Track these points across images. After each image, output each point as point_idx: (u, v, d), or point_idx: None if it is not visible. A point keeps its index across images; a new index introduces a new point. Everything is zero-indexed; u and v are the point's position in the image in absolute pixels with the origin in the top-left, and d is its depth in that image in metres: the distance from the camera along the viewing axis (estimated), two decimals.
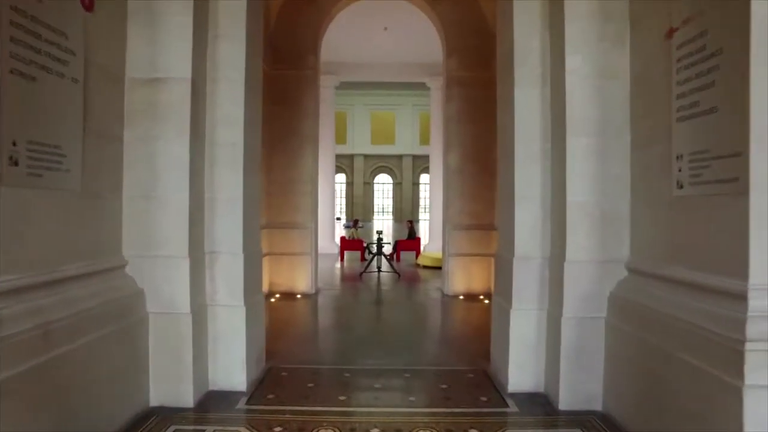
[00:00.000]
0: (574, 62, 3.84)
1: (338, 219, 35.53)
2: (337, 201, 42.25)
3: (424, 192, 41.38)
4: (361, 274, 11.19)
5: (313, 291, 8.86)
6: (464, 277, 8.82)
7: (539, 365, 4.18)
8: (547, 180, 4.19)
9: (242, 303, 4.16)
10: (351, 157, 40.40)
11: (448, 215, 8.97)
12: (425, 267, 12.71)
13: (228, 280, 4.16)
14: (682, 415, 2.86)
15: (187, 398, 3.80)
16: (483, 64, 8.74)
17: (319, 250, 14.23)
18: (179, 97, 3.80)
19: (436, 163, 15.85)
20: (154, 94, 3.79)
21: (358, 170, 40.87)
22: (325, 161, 15.95)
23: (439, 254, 12.81)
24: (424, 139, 37.34)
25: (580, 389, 3.81)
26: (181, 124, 3.80)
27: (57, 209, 2.95)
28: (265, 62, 8.37)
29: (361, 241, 14.56)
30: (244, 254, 4.19)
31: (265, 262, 8.43)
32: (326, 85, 15.94)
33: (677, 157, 3.14)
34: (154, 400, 3.77)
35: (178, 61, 3.82)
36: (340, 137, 37.41)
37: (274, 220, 8.80)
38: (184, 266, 3.79)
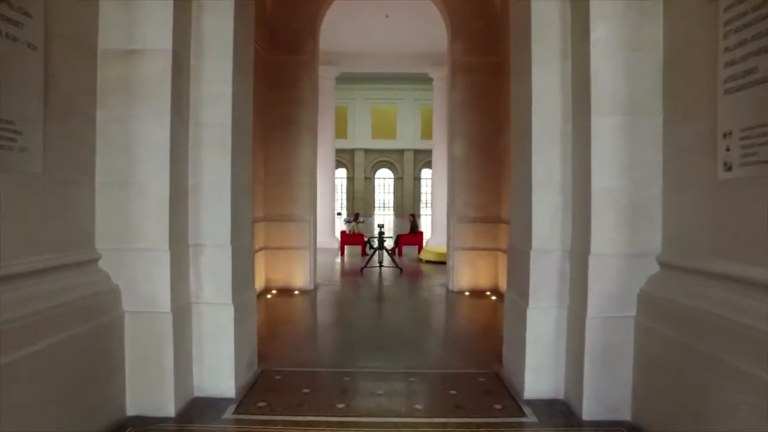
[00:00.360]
0: (599, 33, 3.42)
1: (339, 214, 35.20)
2: (338, 196, 42.12)
3: (426, 187, 40.81)
4: (361, 269, 10.79)
5: (312, 287, 8.47)
6: (470, 273, 8.42)
7: (558, 369, 3.79)
8: (567, 165, 3.78)
9: (230, 301, 3.77)
10: (352, 151, 39.84)
11: (453, 208, 8.56)
12: (428, 262, 12.31)
13: (214, 276, 3.76)
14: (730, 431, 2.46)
15: (167, 407, 3.41)
16: (489, 49, 8.32)
17: (319, 245, 13.86)
18: (159, 70, 3.40)
19: (439, 156, 15.46)
20: (131, 68, 3.39)
21: (358, 165, 40.33)
22: (325, 155, 15.57)
23: (442, 249, 12.43)
24: (426, 134, 36.83)
25: (606, 397, 3.42)
26: (161, 101, 3.40)
27: (10, 193, 2.55)
28: (262, 47, 7.97)
29: (361, 236, 14.17)
30: (233, 247, 3.79)
31: (262, 257, 8.05)
32: (326, 76, 15.53)
33: (724, 135, 2.74)
34: (131, 409, 3.38)
35: (157, 30, 3.41)
36: (341, 132, 36.95)
37: (271, 212, 8.39)
38: (164, 260, 3.39)
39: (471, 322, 6.61)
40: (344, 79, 25.96)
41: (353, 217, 15.08)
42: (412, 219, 14.78)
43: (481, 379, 4.22)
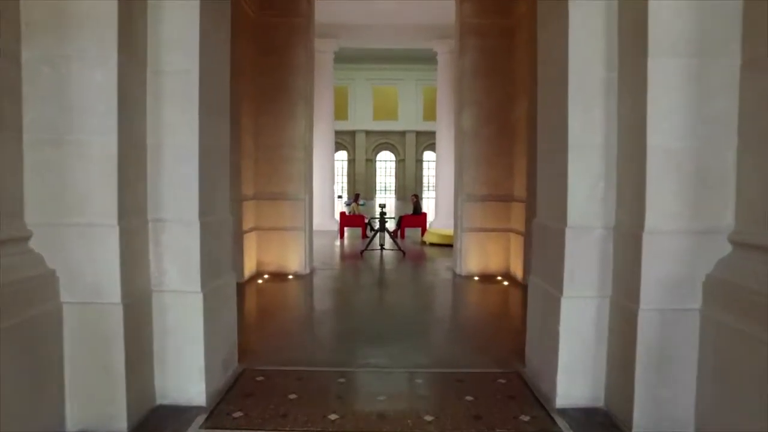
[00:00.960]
0: None
1: (339, 197, 34.50)
2: (339, 179, 41.45)
3: (428, 170, 40.05)
4: (362, 252, 10.11)
5: (307, 271, 7.79)
6: (479, 256, 7.73)
7: (598, 372, 3.12)
8: (612, 121, 3.07)
9: (199, 288, 3.09)
10: (352, 133, 38.94)
11: (461, 185, 7.84)
12: (432, 244, 11.61)
13: (179, 258, 3.08)
14: None
15: (118, 420, 2.75)
16: (501, 10, 7.55)
17: (318, 227, 13.23)
18: None
19: (444, 134, 14.75)
20: None
21: (359, 147, 39.48)
22: (325, 133, 14.86)
23: (447, 231, 11.76)
24: (428, 115, 36.04)
25: (662, 407, 2.75)
26: (105, 39, 2.68)
27: None
28: (251, 6, 7.21)
29: (362, 217, 13.46)
30: (202, 222, 3.11)
31: (253, 238, 7.38)
32: (325, 50, 14.73)
33: None
34: (73, 423, 2.72)
35: None
36: (341, 113, 36.34)
37: (262, 190, 7.68)
38: (112, 238, 2.71)
39: (483, 311, 5.95)
40: (344, 59, 25.31)
41: (353, 197, 14.36)
42: (415, 200, 14.07)
43: (502, 381, 3.57)
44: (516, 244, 7.41)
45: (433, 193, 18.85)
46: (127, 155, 2.79)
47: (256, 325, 5.19)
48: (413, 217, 13.48)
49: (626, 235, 2.93)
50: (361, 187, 38.56)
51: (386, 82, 37.24)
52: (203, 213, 3.14)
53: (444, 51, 14.64)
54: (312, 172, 8.17)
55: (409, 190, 38.75)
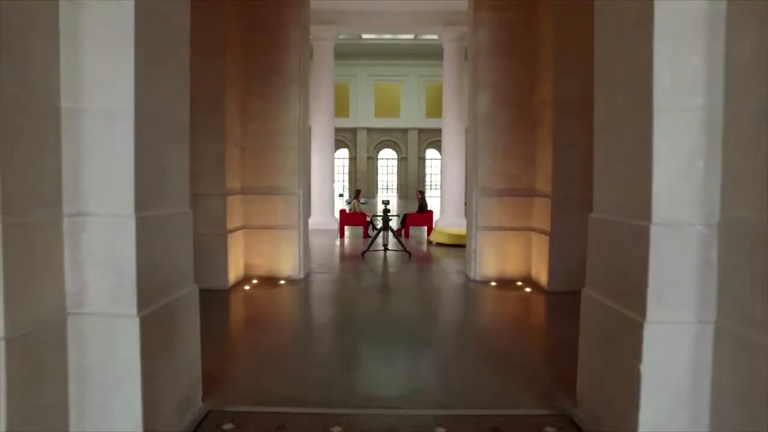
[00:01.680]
0: None
1: (341, 196, 33.64)
2: (340, 177, 40.68)
3: (431, 168, 39.19)
4: (363, 253, 9.22)
5: (301, 275, 6.88)
6: (496, 257, 6.83)
7: (699, 425, 2.21)
8: (717, 74, 2.17)
9: (134, 309, 2.19)
10: (354, 130, 38.33)
11: (474, 178, 6.93)
12: (439, 245, 10.72)
13: (106, 267, 2.19)
14: None
15: None
16: None
17: (317, 226, 12.35)
18: None
19: (451, 128, 13.90)
20: None
21: (361, 144, 38.87)
22: (325, 129, 14.02)
23: (456, 230, 10.88)
24: (431, 112, 35.83)
25: None
26: None
27: None
28: None
29: (363, 215, 12.56)
30: (139, 217, 2.21)
31: (239, 238, 6.50)
32: (325, 37, 13.88)
33: None
34: None
35: None
36: (342, 110, 36.04)
37: (251, 183, 6.78)
38: None
39: (507, 324, 5.04)
40: (345, 54, 24.74)
41: (354, 194, 13.49)
42: (420, 197, 13.17)
43: (550, 430, 2.66)
44: (539, 244, 6.50)
45: (436, 192, 17.99)
46: (16, 119, 1.90)
47: (234, 345, 4.30)
48: (419, 215, 12.60)
49: (746, 235, 2.02)
50: (362, 186, 37.86)
51: (388, 79, 36.72)
52: (143, 204, 2.24)
53: (450, 39, 13.78)
54: (309, 163, 7.31)
55: (412, 189, 38.09)
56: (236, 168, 6.52)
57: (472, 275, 6.95)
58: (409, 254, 9.17)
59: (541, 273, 6.39)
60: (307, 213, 7.28)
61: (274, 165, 6.81)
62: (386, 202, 9.62)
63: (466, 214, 7.34)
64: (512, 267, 6.83)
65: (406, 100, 37.40)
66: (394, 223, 11.24)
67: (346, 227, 12.60)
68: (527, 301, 5.83)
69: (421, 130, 37.97)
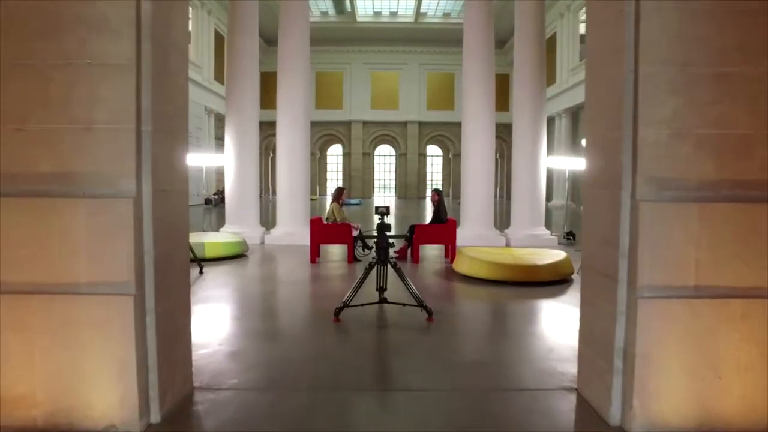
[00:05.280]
0: None
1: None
2: (333, 176, 37.58)
3: (431, 165, 37.22)
4: (339, 309, 4.76)
5: (150, 419, 2.49)
6: (692, 374, 2.46)
7: None
8: None
9: None
10: (348, 124, 35.73)
11: (618, 151, 2.56)
12: (468, 277, 6.34)
13: None
14: None
15: None
16: None
17: (283, 242, 8.02)
18: None
19: (474, 115, 9.70)
20: None
21: (356, 139, 36.86)
22: (300, 115, 9.76)
23: (500, 252, 6.41)
24: (433, 104, 34.13)
25: None
26: None
27: None
28: None
29: (347, 227, 8.05)
30: None
31: None
32: None
33: None
34: None
35: None
36: (335, 101, 34.57)
37: (5, 169, 2.42)
38: None
39: None
40: (338, 41, 21.69)
41: (334, 195, 8.74)
42: (437, 199, 8.55)
43: None
44: None
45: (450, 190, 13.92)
46: None
47: None
48: (434, 227, 8.17)
49: None
50: (357, 185, 34.65)
51: (386, 67, 34.64)
52: None
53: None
54: (184, 113, 2.91)
55: (411, 188, 34.82)
56: None
57: (612, 410, 2.57)
58: (429, 312, 4.74)
59: None
60: (181, 243, 2.88)
61: (68, 115, 2.42)
62: (383, 212, 5.08)
63: (585, 252, 2.94)
64: (735, 401, 2.45)
65: (405, 90, 35.14)
66: (396, 243, 6.86)
67: (321, 246, 8.17)
68: None
69: (421, 124, 35.23)
